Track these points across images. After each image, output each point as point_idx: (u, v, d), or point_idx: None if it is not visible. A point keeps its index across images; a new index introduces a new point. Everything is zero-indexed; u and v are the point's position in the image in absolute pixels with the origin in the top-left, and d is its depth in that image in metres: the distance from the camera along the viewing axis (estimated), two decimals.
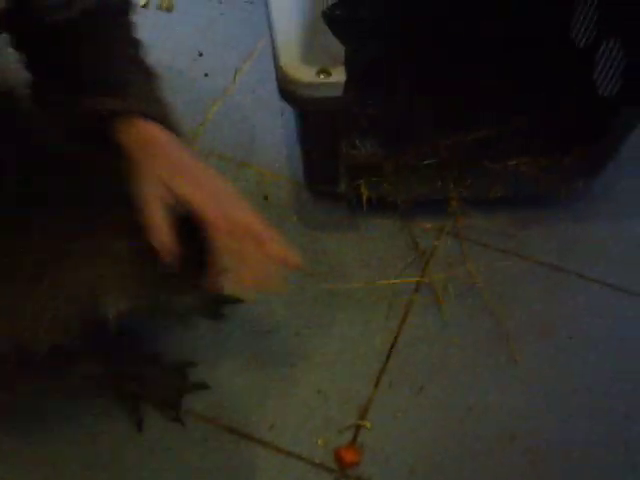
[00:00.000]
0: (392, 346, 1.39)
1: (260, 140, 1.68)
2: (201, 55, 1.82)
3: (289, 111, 1.70)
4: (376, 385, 1.35)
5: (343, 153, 1.45)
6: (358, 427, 1.31)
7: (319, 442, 1.29)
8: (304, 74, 1.33)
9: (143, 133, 1.01)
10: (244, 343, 1.39)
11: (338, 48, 1.32)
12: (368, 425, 1.31)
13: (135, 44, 1.13)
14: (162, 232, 0.94)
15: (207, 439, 1.28)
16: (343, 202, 1.56)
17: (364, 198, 1.52)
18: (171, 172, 0.98)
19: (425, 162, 1.52)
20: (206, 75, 1.78)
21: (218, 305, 1.44)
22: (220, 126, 1.69)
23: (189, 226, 0.96)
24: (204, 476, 1.25)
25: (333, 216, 1.57)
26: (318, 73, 1.32)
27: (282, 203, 1.59)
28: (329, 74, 1.32)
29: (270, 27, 1.36)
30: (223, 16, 1.91)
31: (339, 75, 1.33)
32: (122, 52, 1.12)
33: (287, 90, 1.34)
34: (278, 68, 1.34)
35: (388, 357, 1.38)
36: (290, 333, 1.40)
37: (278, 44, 1.35)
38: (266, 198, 1.59)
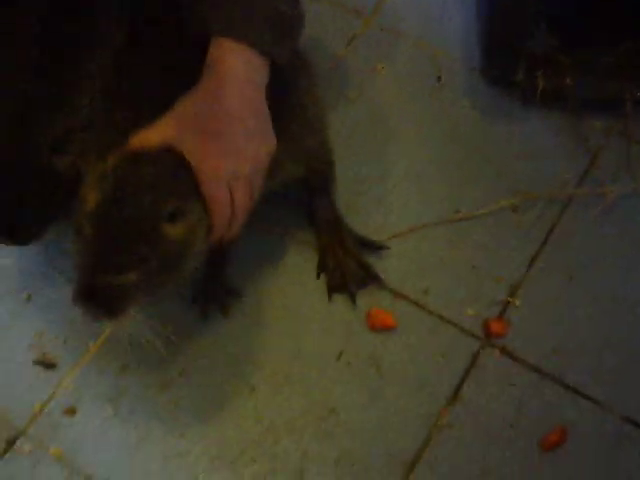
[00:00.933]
0: (549, 232, 1.46)
1: (437, 21, 1.72)
2: None
3: None
4: (528, 268, 1.43)
5: (527, 41, 1.48)
6: (507, 303, 1.40)
7: (469, 311, 1.40)
8: None
9: (215, 55, 1.07)
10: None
11: None
12: (517, 303, 1.40)
13: None
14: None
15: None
16: (516, 91, 1.59)
17: (539, 89, 1.54)
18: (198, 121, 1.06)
19: (603, 59, 1.53)
20: None
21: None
22: (397, 3, 1.73)
23: None
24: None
25: (504, 104, 1.61)
26: None
27: (455, 86, 1.63)
28: None
29: None
30: None
31: None
32: None
33: None
34: None
35: (544, 243, 1.45)
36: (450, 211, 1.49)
37: None
38: (439, 79, 1.64)
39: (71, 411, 1.31)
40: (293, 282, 1.42)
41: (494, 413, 1.31)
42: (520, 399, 1.32)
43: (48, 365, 1.34)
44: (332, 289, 1.41)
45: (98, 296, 1.04)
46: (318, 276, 1.42)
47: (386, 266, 1.43)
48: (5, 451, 1.28)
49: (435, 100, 1.61)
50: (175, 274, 1.10)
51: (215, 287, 1.39)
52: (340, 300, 1.40)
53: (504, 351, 1.36)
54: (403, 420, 1.31)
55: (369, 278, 1.41)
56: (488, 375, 1.34)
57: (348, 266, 1.41)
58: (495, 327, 1.36)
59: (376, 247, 1.44)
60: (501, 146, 1.57)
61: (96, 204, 1.03)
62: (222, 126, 1.06)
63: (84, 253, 1.04)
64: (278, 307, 1.40)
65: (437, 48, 1.67)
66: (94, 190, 1.04)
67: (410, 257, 1.44)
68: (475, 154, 1.55)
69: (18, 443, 1.29)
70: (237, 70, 1.06)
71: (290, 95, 1.24)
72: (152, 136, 1.06)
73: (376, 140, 1.57)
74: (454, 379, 1.34)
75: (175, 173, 1.06)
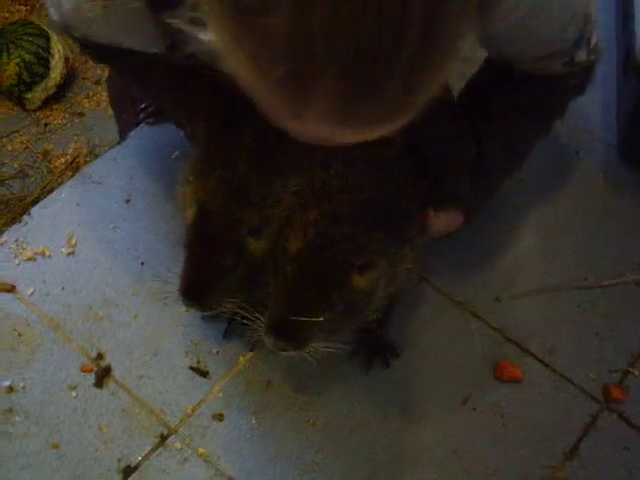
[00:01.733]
0: None
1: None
2: None
3: (610, 71, 1.83)
4: None
5: None
6: (627, 372, 1.50)
7: (591, 375, 1.49)
8: None
9: None
10: None
11: None
12: (636, 372, 1.49)
13: None
14: None
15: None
16: None
17: None
18: None
19: None
20: None
21: None
22: None
23: None
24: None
25: (637, 183, 1.71)
26: None
27: (591, 160, 1.75)
28: None
29: None
30: None
31: None
32: None
33: None
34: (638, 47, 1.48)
35: None
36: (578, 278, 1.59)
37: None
38: (577, 153, 1.75)
39: (219, 417, 1.44)
40: (431, 328, 1.54)
41: (608, 474, 1.40)
42: (633, 464, 1.41)
43: (202, 372, 1.48)
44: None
45: (289, 332, 1.18)
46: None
47: (516, 323, 1.54)
48: (158, 446, 1.42)
49: (572, 172, 1.72)
50: (356, 319, 1.24)
51: (377, 340, 1.51)
52: (470, 349, 1.51)
53: (621, 416, 1.45)
54: (522, 469, 1.41)
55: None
56: (604, 437, 1.44)
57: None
58: (615, 393, 1.46)
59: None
60: (629, 224, 1.67)
61: (297, 251, 1.18)
62: None
63: (281, 292, 1.18)
64: (414, 345, 1.52)
65: (577, 122, 1.79)
66: (297, 239, 1.18)
67: (539, 316, 1.55)
68: (603, 227, 1.66)
69: (170, 440, 1.42)
70: None
71: None
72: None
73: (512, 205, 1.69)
74: (572, 436, 1.44)
75: (368, 229, 1.19)
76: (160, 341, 1.51)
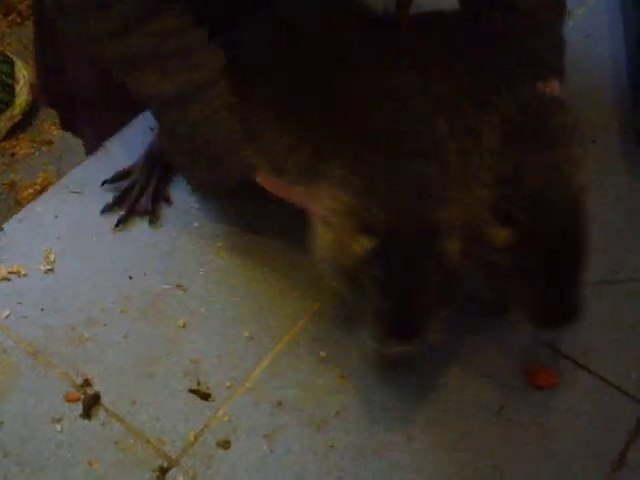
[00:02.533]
0: None
1: (589, 84, 1.73)
2: None
3: (620, 59, 1.75)
4: None
5: None
6: None
7: (632, 374, 1.36)
8: None
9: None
10: None
11: None
12: None
13: None
14: None
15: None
16: None
17: None
18: None
19: None
20: None
21: None
22: None
23: None
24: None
25: None
26: None
27: (609, 149, 1.63)
28: None
29: None
30: None
31: None
32: None
33: None
34: None
35: None
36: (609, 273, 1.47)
37: None
38: (594, 141, 1.64)
39: (225, 444, 1.28)
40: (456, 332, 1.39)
41: None
42: None
43: (203, 395, 1.32)
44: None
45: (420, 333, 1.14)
46: None
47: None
48: None
49: (590, 162, 1.60)
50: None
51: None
52: (498, 353, 1.37)
53: None
54: None
55: None
56: None
57: None
58: None
59: None
60: None
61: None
62: None
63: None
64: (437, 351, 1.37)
65: (590, 110, 1.68)
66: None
67: None
68: (632, 217, 1.54)
69: (171, 473, 1.25)
70: None
71: None
72: None
73: None
74: (618, 444, 1.29)
75: None
76: (154, 362, 1.35)
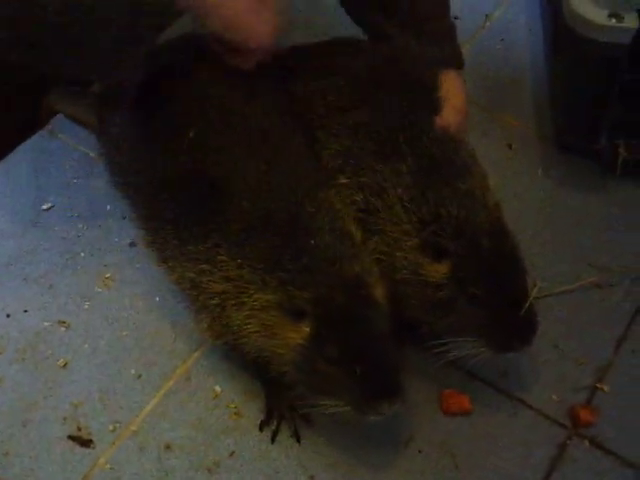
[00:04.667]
0: (637, 311, 1.33)
1: (507, 88, 1.64)
2: None
3: (539, 61, 1.67)
4: (616, 350, 1.30)
5: (611, 107, 1.39)
6: (594, 389, 1.26)
7: (553, 396, 1.26)
8: (595, 16, 1.28)
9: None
10: None
11: None
12: (605, 389, 1.26)
13: None
14: None
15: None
16: (594, 160, 1.49)
17: (620, 159, 1.44)
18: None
19: None
20: (456, 18, 1.75)
21: None
22: (467, 70, 1.66)
23: None
24: None
25: (579, 173, 1.51)
26: (610, 16, 1.27)
27: (526, 154, 1.55)
28: (621, 18, 1.27)
29: None
30: None
31: (631, 21, 1.27)
32: None
33: (575, 31, 1.29)
34: (568, 8, 1.29)
35: (631, 322, 1.32)
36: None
37: None
38: (510, 147, 1.55)
39: None
40: None
41: None
42: None
43: (83, 442, 1.20)
44: None
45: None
46: None
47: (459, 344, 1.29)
48: None
49: (507, 169, 1.51)
50: None
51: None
52: (410, 378, 1.25)
53: (593, 442, 1.22)
54: None
55: None
56: (577, 469, 1.19)
57: None
58: (584, 415, 1.22)
59: None
60: (577, 217, 1.47)
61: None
62: None
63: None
64: None
65: (508, 115, 1.59)
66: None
67: None
68: (549, 224, 1.45)
69: None
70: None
71: None
72: None
73: None
74: (539, 472, 1.19)
75: None
76: (30, 408, 1.23)
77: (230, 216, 1.13)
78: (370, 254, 1.15)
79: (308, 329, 1.08)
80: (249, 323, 1.11)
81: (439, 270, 1.14)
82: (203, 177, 1.16)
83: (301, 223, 1.11)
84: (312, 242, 1.09)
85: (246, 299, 1.10)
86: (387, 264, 1.16)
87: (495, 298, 1.14)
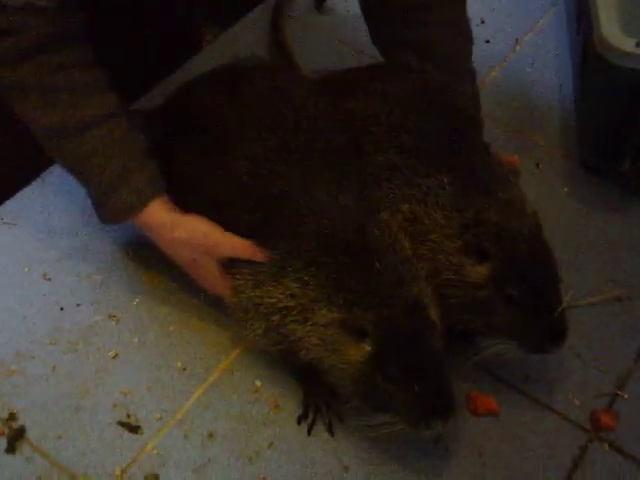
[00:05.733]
0: None
1: (535, 110, 1.72)
2: (483, 22, 1.88)
3: (566, 85, 1.74)
4: (636, 360, 1.37)
5: (636, 131, 1.47)
6: (615, 395, 1.33)
7: (575, 401, 1.32)
8: (624, 44, 1.35)
9: None
10: None
11: None
12: (625, 396, 1.33)
13: None
14: None
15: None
16: (618, 181, 1.57)
17: None
18: None
19: None
20: (487, 42, 1.84)
21: None
22: (497, 91, 1.74)
23: None
24: None
25: (604, 194, 1.59)
26: (638, 45, 1.35)
27: (553, 173, 1.62)
28: None
29: None
30: None
31: None
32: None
33: (603, 58, 1.37)
34: (598, 36, 1.37)
35: None
36: None
37: (599, 12, 1.39)
38: (537, 166, 1.63)
39: (154, 477, 1.23)
40: None
41: None
42: None
43: (132, 428, 1.28)
44: None
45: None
46: None
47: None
48: None
49: (534, 186, 1.59)
50: None
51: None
52: None
53: (613, 446, 1.28)
54: None
55: None
56: (596, 471, 1.26)
57: None
58: (605, 419, 1.29)
59: None
60: (600, 235, 1.54)
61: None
62: None
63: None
64: None
65: (536, 136, 1.67)
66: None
67: None
68: (573, 241, 1.52)
69: None
70: None
71: None
72: None
73: None
74: (561, 472, 1.25)
75: None
76: (83, 395, 1.31)
77: (299, 236, 1.19)
78: (421, 268, 1.21)
79: (369, 348, 1.14)
80: (310, 337, 1.17)
81: (480, 271, 1.21)
82: (271, 197, 1.22)
83: (367, 244, 1.18)
84: (377, 265, 1.15)
85: (310, 315, 1.17)
86: (430, 267, 1.23)
87: (530, 301, 1.21)
